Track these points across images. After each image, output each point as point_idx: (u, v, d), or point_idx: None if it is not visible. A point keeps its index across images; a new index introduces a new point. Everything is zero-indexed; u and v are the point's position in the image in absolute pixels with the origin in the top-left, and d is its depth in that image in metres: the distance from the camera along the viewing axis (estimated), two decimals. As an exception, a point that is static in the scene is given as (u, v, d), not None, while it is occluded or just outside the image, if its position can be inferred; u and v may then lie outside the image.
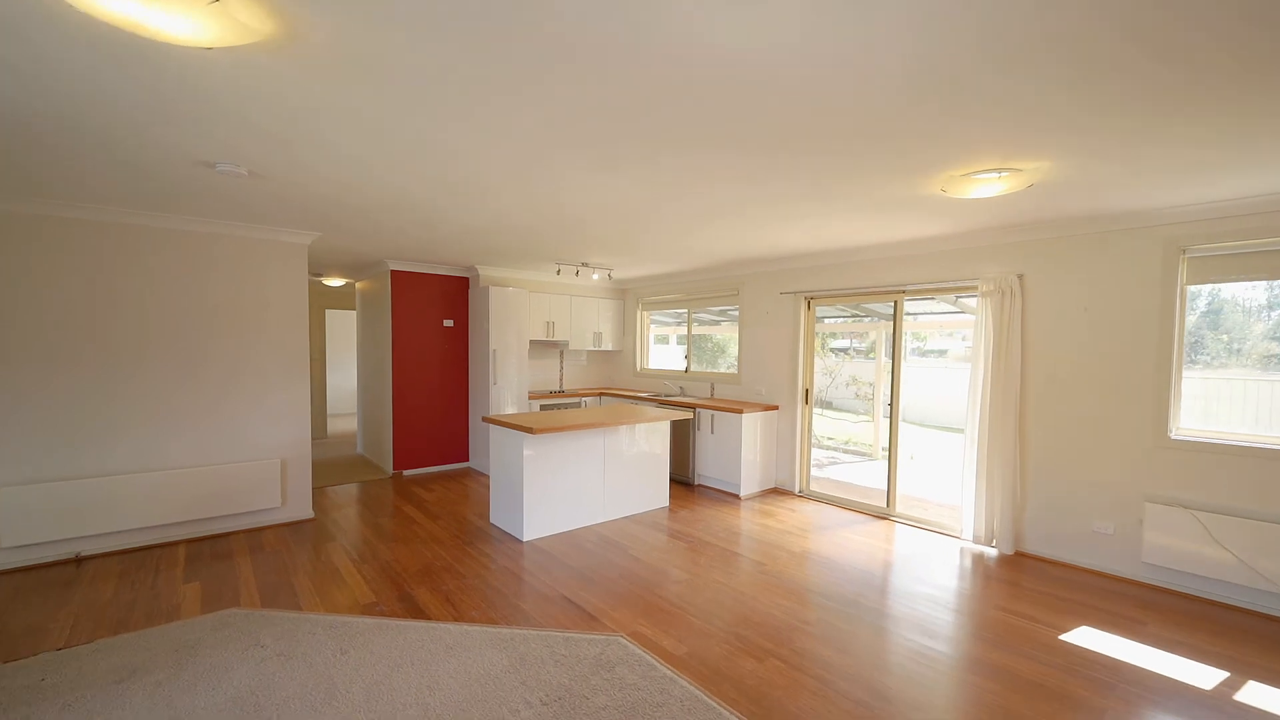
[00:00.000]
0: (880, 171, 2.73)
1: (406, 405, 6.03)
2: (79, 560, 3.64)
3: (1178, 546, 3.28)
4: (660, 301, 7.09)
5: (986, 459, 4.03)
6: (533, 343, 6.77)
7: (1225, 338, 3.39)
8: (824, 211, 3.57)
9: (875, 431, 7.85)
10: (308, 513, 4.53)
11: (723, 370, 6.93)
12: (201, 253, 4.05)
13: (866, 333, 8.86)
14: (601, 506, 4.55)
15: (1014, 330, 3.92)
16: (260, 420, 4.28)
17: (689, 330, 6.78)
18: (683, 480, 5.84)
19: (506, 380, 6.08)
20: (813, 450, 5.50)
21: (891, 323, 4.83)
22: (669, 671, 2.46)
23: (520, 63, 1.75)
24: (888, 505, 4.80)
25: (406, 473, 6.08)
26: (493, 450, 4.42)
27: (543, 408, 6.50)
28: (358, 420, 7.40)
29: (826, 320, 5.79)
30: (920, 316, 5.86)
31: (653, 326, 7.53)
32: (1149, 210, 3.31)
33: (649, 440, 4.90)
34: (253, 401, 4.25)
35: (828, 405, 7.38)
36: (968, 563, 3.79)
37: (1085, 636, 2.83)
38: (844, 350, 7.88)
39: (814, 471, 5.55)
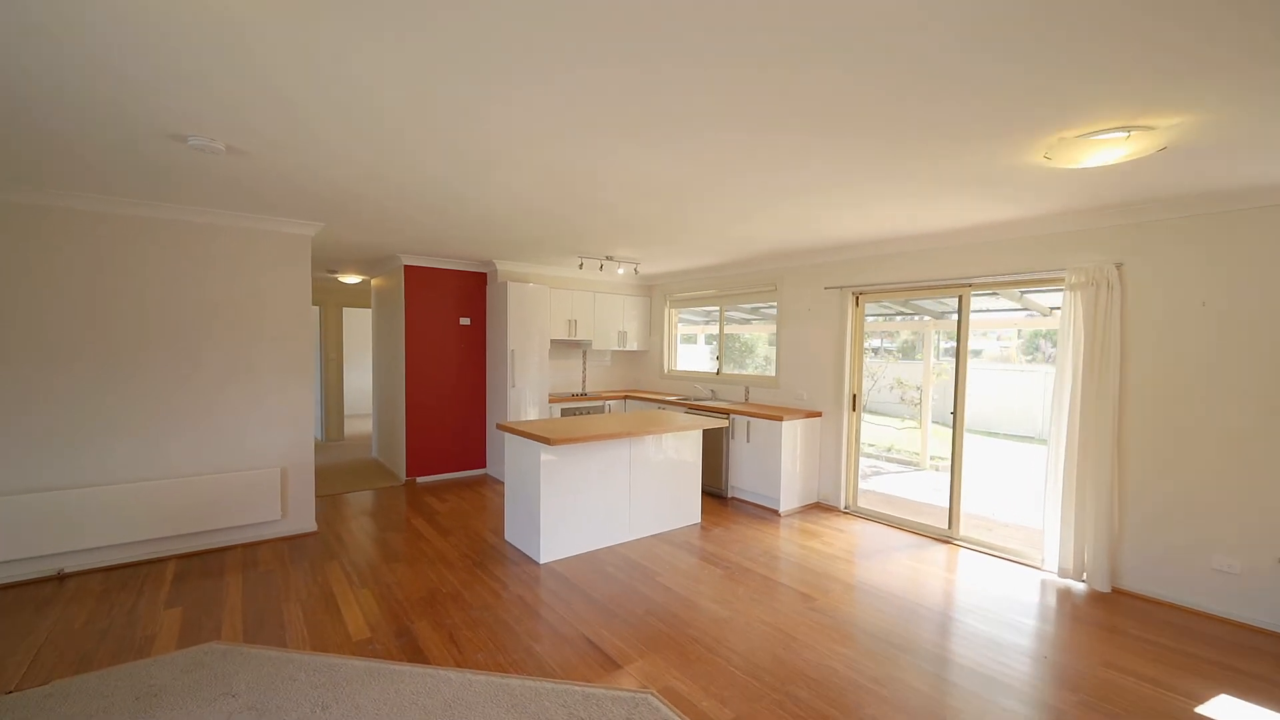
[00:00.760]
0: (971, 136, 2.22)
1: (420, 408, 5.69)
2: (61, 577, 3.35)
3: (1331, 593, 2.68)
4: (690, 299, 6.62)
5: (1075, 478, 3.46)
6: (554, 342, 6.37)
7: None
8: (887, 193, 3.07)
9: (923, 439, 7.24)
10: (310, 525, 4.20)
11: (752, 371, 6.44)
12: (199, 245, 3.74)
13: (898, 332, 8.25)
14: (627, 524, 4.11)
15: (1111, 328, 3.34)
16: (259, 426, 3.96)
17: (720, 329, 6.30)
18: (715, 492, 5.36)
19: (526, 382, 5.69)
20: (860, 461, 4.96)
21: (956, 319, 4.26)
22: (711, 748, 2.00)
23: (559, 28, 1.31)
24: (949, 526, 4.25)
25: (420, 480, 5.75)
26: (508, 460, 4.02)
27: (564, 412, 6.09)
28: (373, 423, 7.12)
29: (870, 319, 5.25)
30: (973, 314, 5.24)
31: (679, 325, 7.07)
32: (1295, 183, 2.71)
33: (679, 450, 4.45)
34: (251, 405, 3.93)
35: (866, 409, 6.83)
36: (1057, 602, 3.24)
37: (1229, 710, 2.28)
38: (873, 350, 7.30)
39: (859, 484, 5.01)
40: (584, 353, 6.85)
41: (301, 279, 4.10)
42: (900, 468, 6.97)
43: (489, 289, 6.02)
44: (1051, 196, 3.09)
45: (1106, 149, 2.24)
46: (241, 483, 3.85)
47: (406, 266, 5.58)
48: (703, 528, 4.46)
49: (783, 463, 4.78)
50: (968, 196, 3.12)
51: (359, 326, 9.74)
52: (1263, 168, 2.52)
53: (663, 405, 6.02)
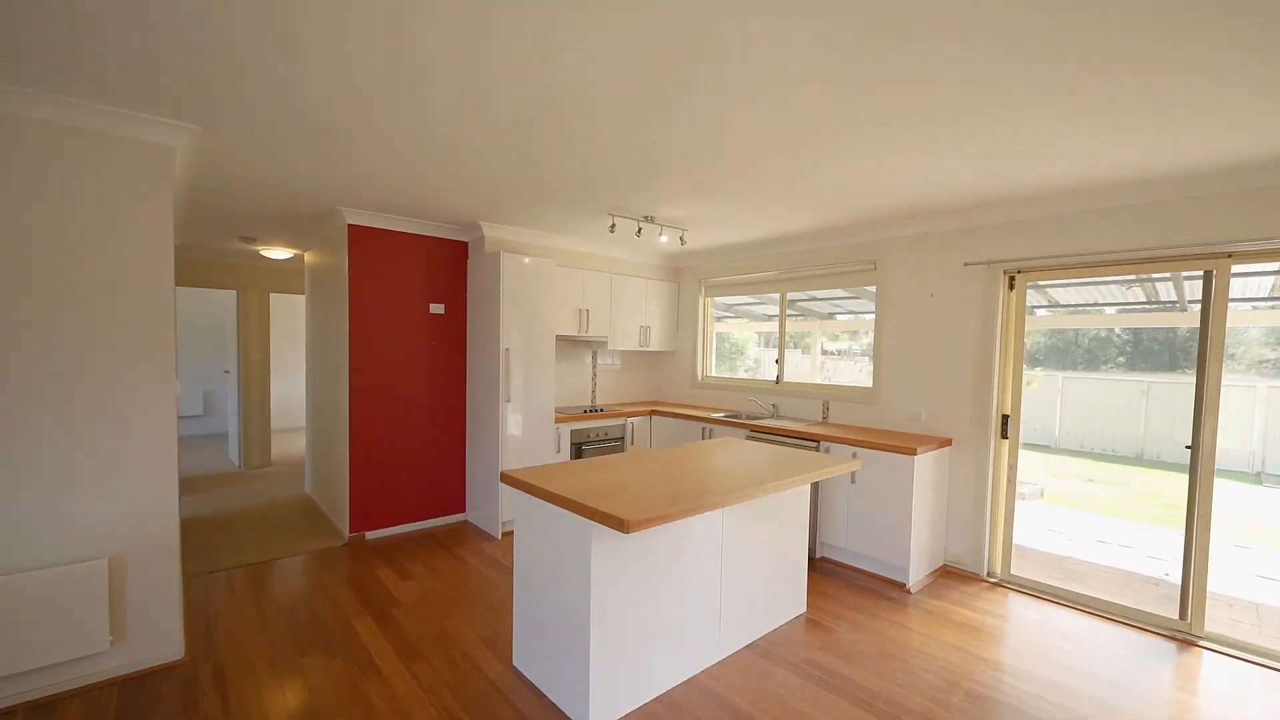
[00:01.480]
0: None
1: (371, 432, 3.95)
2: None
3: None
4: (737, 283, 5.07)
5: None
6: (557, 339, 4.72)
7: None
8: (1092, 107, 1.60)
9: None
10: (171, 652, 2.44)
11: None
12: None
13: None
14: (716, 636, 2.52)
15: None
16: (76, 483, 2.19)
17: (782, 324, 4.78)
18: (796, 550, 3.82)
19: (526, 394, 4.03)
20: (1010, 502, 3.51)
21: (1201, 308, 2.85)
22: None
23: None
24: (1185, 616, 2.84)
25: (371, 536, 4.00)
26: (521, 535, 2.38)
27: (575, 437, 4.45)
28: (306, 447, 5.29)
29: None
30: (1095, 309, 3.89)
31: (714, 320, 5.52)
32: None
33: (785, 511, 2.89)
34: (59, 447, 2.16)
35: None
36: None
37: None
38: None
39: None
40: (594, 354, 5.22)
41: (157, 223, 2.35)
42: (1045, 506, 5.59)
43: (471, 263, 4.32)
44: None
45: None
46: (33, 589, 2.08)
47: (352, 227, 3.83)
48: (811, 622, 2.92)
49: (914, 515, 3.28)
50: (1234, 113, 1.68)
51: (291, 317, 7.79)
52: None
53: (708, 424, 4.45)
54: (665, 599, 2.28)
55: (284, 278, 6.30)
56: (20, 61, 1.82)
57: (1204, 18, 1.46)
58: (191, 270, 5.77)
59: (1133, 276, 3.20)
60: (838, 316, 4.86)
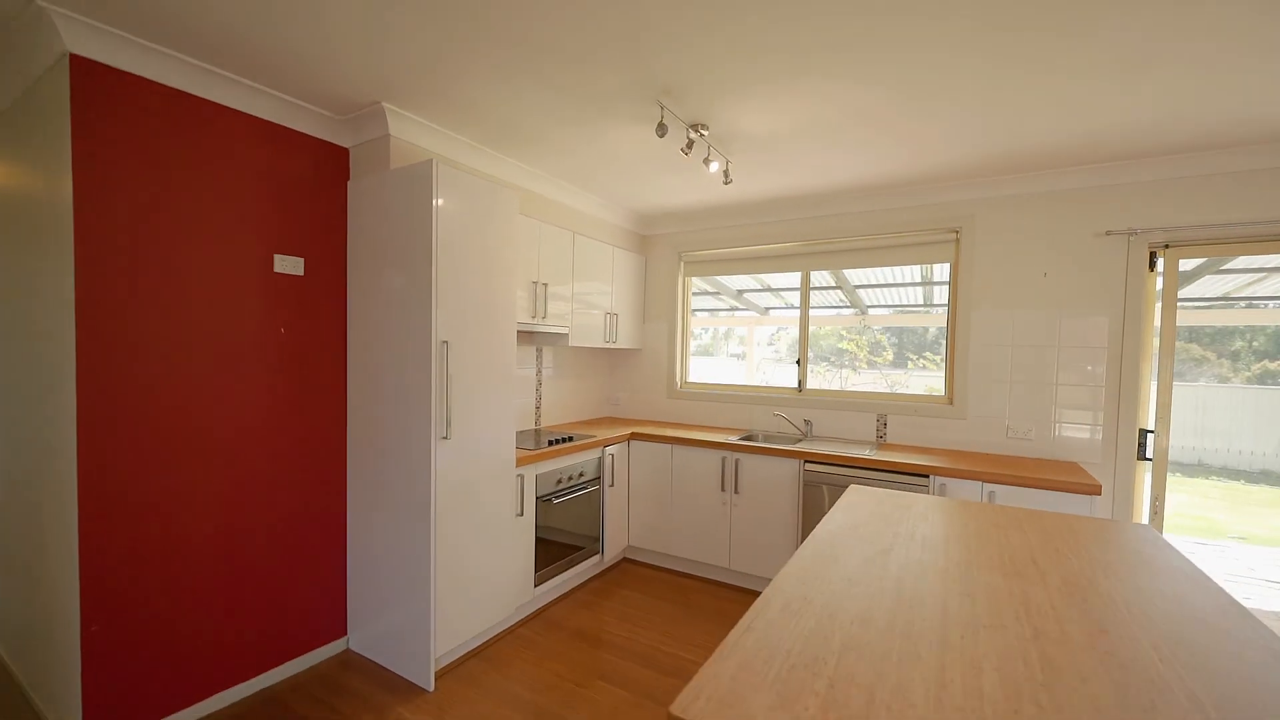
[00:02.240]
0: None
1: (133, 507, 1.85)
2: None
3: None
4: (736, 258, 3.78)
5: None
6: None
7: None
8: None
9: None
10: None
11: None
12: None
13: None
14: None
15: None
16: None
17: (804, 311, 3.61)
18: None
19: (477, 416, 2.27)
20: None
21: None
22: None
23: None
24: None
25: (136, 734, 1.89)
26: None
27: (540, 486, 2.77)
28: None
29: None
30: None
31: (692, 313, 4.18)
32: None
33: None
34: None
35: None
36: None
37: None
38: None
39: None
40: (539, 352, 3.53)
41: None
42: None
43: (358, 186, 2.38)
44: None
45: None
46: None
47: (81, 66, 1.72)
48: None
49: (1089, 580, 2.31)
50: None
51: None
52: None
53: (730, 455, 3.11)
54: None
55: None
56: None
57: None
58: None
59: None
60: (867, 307, 3.82)
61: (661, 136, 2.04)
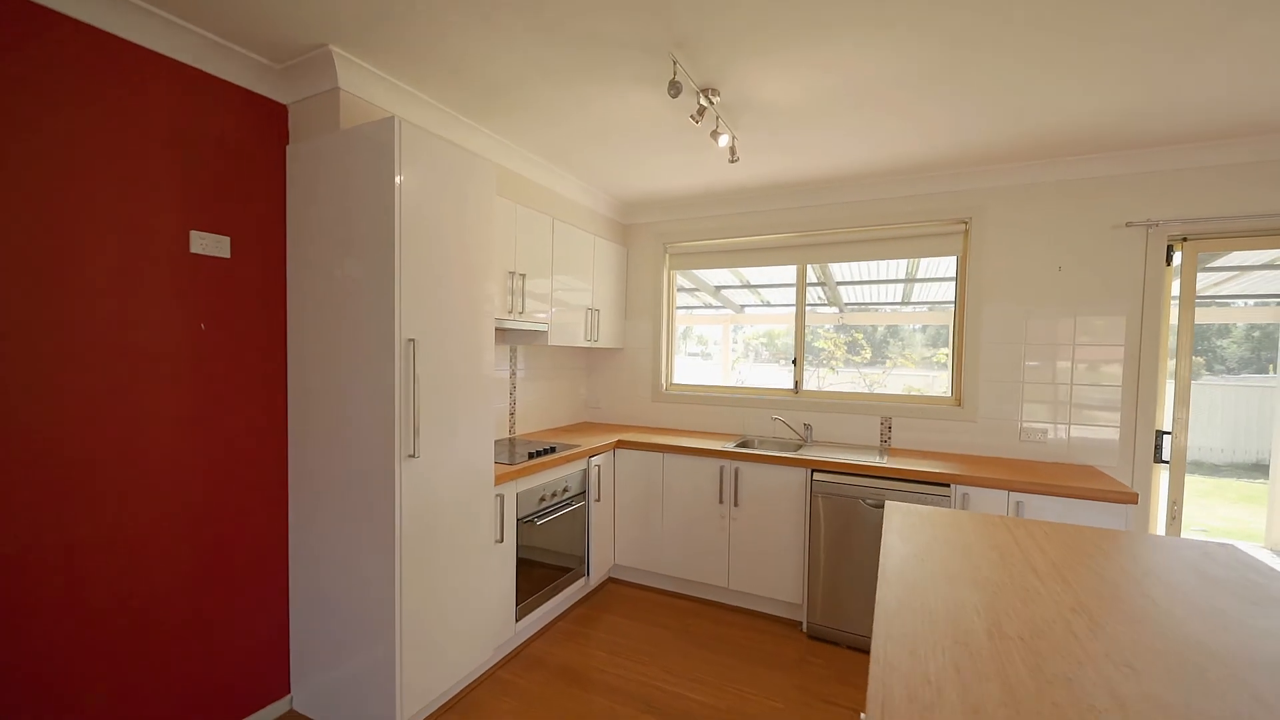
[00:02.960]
0: None
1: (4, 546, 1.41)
2: None
3: None
4: (725, 250, 3.52)
5: None
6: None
7: None
8: None
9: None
10: None
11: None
12: None
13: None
14: None
15: None
16: None
17: (800, 308, 3.37)
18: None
19: (453, 428, 1.90)
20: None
21: None
22: None
23: None
24: None
25: None
26: None
27: (521, 504, 2.42)
28: None
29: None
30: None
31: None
32: None
33: None
34: None
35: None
36: None
37: None
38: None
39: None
40: (513, 353, 3.17)
41: None
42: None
43: (293, 155, 1.97)
44: None
45: None
46: None
47: (-92, -29, 1.26)
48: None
49: (1123, 595, 2.15)
50: None
51: None
52: None
53: (729, 464, 2.83)
54: None
55: None
56: None
57: None
58: None
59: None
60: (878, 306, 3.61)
61: (674, 96, 1.73)
